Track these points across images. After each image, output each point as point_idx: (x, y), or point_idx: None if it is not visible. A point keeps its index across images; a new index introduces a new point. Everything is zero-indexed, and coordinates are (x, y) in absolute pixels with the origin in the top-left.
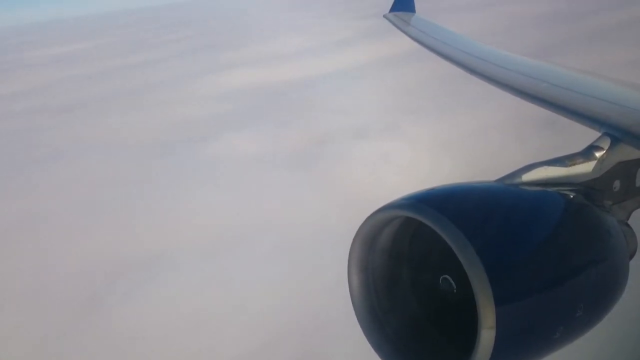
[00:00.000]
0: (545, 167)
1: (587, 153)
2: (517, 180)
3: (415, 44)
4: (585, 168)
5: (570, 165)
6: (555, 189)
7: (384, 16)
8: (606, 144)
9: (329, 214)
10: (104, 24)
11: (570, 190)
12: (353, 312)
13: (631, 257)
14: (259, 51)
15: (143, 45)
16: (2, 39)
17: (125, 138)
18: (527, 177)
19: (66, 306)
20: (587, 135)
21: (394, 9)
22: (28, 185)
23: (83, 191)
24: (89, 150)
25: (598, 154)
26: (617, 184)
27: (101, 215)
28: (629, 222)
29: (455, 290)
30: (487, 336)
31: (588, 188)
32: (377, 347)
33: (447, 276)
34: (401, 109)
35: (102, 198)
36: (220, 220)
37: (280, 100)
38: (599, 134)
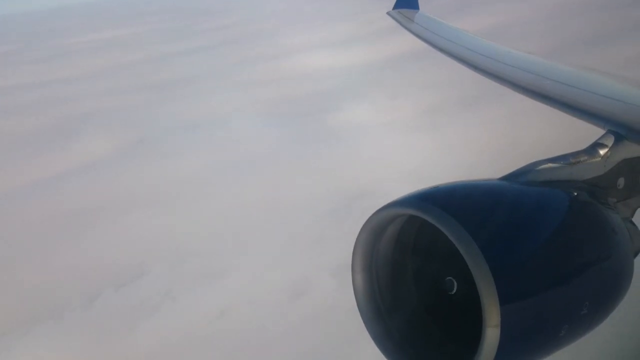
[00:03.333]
0: (550, 164)
1: (591, 150)
2: (521, 178)
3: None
4: (589, 165)
5: (574, 163)
6: (559, 186)
7: (388, 13)
8: (610, 141)
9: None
10: (123, 12)
11: (575, 188)
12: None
13: (636, 254)
14: (308, 39)
15: (186, 33)
16: (30, 24)
17: (262, 109)
18: (531, 174)
19: (316, 217)
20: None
21: (397, 6)
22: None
23: (281, 147)
24: (237, 119)
25: (602, 152)
26: (621, 181)
27: (307, 162)
28: (634, 219)
29: (459, 288)
30: (492, 335)
31: (592, 185)
32: (380, 343)
33: (451, 274)
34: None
35: (299, 151)
36: (397, 167)
37: (365, 79)
38: (603, 131)
